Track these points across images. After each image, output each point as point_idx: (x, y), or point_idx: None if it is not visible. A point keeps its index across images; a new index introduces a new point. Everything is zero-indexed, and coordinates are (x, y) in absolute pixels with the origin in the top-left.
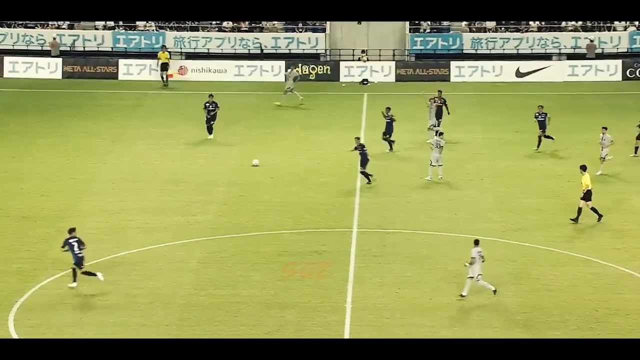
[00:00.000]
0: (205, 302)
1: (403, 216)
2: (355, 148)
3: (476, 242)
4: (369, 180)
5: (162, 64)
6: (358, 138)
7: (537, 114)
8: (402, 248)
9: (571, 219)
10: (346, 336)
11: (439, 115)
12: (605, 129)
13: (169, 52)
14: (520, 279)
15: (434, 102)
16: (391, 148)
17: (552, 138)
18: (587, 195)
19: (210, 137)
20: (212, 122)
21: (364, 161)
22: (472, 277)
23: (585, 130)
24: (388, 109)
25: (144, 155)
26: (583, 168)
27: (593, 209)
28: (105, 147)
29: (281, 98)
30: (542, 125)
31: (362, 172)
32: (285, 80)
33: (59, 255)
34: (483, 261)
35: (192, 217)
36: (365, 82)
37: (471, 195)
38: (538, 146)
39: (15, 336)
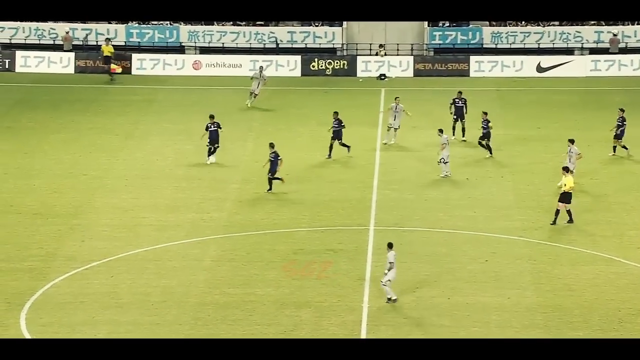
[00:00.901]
0: (219, 300)
1: (421, 214)
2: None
3: (390, 246)
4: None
5: (105, 57)
6: (336, 113)
7: (619, 118)
8: (419, 246)
9: (551, 223)
10: (363, 336)
11: (461, 116)
12: (572, 142)
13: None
14: (540, 279)
15: (453, 103)
16: (348, 149)
17: (626, 148)
18: (566, 197)
19: (208, 161)
20: (216, 145)
21: (337, 135)
22: (389, 281)
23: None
24: (336, 113)
25: (158, 151)
26: (565, 169)
27: (568, 212)
28: (118, 143)
29: (251, 101)
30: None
31: (341, 144)
32: (253, 79)
33: (71, 253)
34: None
35: (206, 214)
36: (382, 78)
37: (491, 192)
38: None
39: (27, 335)
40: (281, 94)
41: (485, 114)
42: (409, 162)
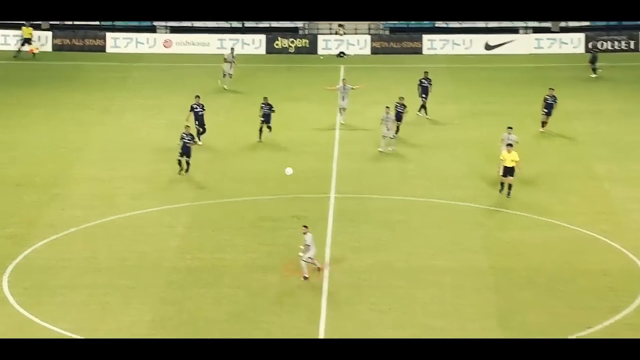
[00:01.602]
0: (191, 265)
1: (379, 183)
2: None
3: (306, 227)
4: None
5: (25, 39)
6: (266, 98)
7: (547, 97)
8: (378, 213)
9: (502, 192)
10: (324, 296)
11: (426, 94)
12: (511, 128)
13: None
14: (491, 243)
15: (420, 83)
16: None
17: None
18: (509, 171)
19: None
20: (204, 127)
21: (267, 119)
22: (309, 258)
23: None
24: (265, 98)
25: (132, 125)
26: (509, 145)
27: (509, 186)
28: (95, 117)
29: (226, 82)
30: (549, 109)
31: (268, 127)
32: (226, 60)
33: (50, 221)
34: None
35: (178, 184)
36: (342, 55)
37: (445, 163)
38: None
39: (9, 297)
40: (248, 71)
41: (402, 98)
42: (367, 135)
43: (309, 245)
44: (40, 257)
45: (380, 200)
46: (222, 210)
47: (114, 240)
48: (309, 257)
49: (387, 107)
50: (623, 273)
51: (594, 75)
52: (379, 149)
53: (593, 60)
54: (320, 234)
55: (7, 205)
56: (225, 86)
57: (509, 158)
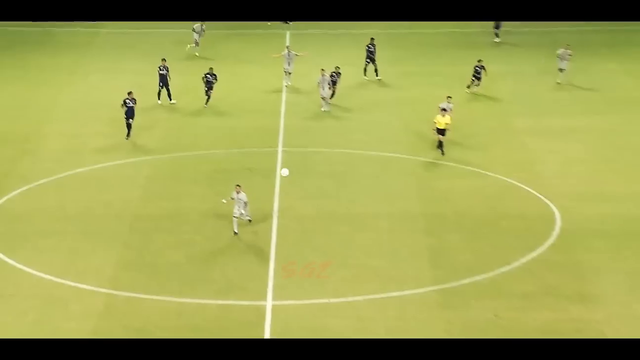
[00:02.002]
0: (153, 213)
1: (322, 138)
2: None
3: (238, 186)
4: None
5: None
6: (212, 68)
7: (476, 67)
8: (322, 165)
9: (439, 149)
10: (273, 239)
11: (373, 59)
12: (450, 97)
13: None
14: (423, 191)
15: (367, 48)
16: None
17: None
18: (441, 132)
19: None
20: (169, 88)
21: (209, 86)
22: (236, 217)
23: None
24: (211, 68)
25: (98, 86)
26: (443, 110)
27: (442, 143)
28: (63, 79)
29: (197, 50)
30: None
31: (208, 94)
32: (194, 30)
33: (23, 173)
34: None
35: (139, 139)
36: (288, 22)
37: (382, 120)
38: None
39: None
40: (204, 38)
41: (338, 67)
42: (311, 96)
43: (244, 203)
44: (13, 207)
45: (324, 153)
46: (180, 163)
47: (81, 191)
48: (241, 213)
49: (323, 70)
50: (539, 216)
51: (497, 40)
52: (322, 109)
53: (497, 26)
54: (270, 185)
55: None
56: (196, 53)
57: (443, 121)
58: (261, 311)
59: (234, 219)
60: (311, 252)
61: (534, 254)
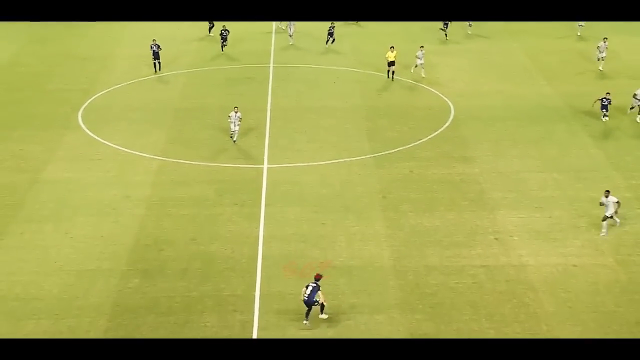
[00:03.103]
0: (187, 106)
1: (301, 57)
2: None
3: (236, 107)
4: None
5: None
6: (155, 39)
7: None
8: (300, 75)
9: (389, 77)
10: (267, 123)
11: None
12: (422, 47)
13: None
14: (365, 93)
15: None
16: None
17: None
18: (392, 63)
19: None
20: (159, 61)
21: (156, 56)
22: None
23: None
24: (154, 39)
25: (150, 25)
26: (391, 48)
27: (393, 72)
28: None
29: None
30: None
31: (155, 62)
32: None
33: (105, 80)
34: None
35: (178, 59)
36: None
37: (342, 48)
38: None
39: (82, 125)
40: None
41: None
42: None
43: (239, 118)
44: (98, 103)
45: (301, 68)
46: (203, 75)
47: (141, 92)
48: (234, 131)
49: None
50: (439, 107)
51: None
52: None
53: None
54: (264, 89)
55: (77, 71)
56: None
57: (392, 55)
58: (260, 171)
59: (232, 133)
60: (293, 132)
61: (436, 132)
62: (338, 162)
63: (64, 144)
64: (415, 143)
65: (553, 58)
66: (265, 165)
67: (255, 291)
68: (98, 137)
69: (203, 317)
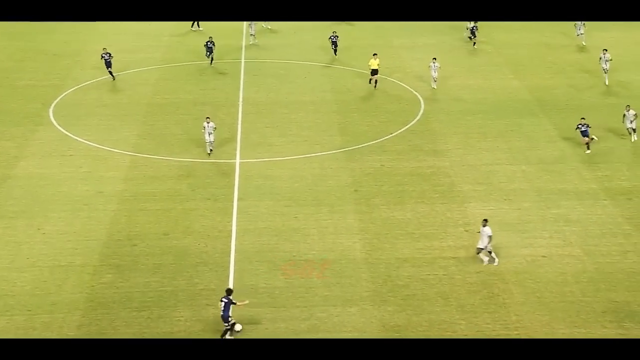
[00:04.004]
0: (160, 102)
1: (271, 53)
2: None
3: (208, 117)
4: None
5: None
6: (105, 48)
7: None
8: (270, 70)
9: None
10: (239, 118)
11: (335, 50)
12: (435, 59)
13: None
14: (335, 87)
15: (330, 38)
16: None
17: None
18: (375, 72)
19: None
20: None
21: (108, 64)
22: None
23: None
24: (105, 48)
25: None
26: (374, 55)
27: (376, 80)
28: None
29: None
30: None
31: (109, 69)
32: None
33: (76, 76)
34: None
35: (152, 55)
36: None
37: (312, 43)
38: None
39: (53, 121)
40: None
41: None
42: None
43: (213, 128)
44: (69, 99)
45: (271, 62)
46: (175, 71)
47: (112, 88)
48: (210, 142)
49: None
50: (409, 100)
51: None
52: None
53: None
54: (236, 83)
55: (47, 67)
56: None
57: (375, 63)
58: (232, 165)
59: (207, 144)
60: (264, 127)
61: (407, 126)
62: (310, 156)
63: (36, 140)
64: (386, 137)
65: (520, 51)
66: (238, 160)
67: (228, 285)
68: (70, 133)
69: (177, 311)
